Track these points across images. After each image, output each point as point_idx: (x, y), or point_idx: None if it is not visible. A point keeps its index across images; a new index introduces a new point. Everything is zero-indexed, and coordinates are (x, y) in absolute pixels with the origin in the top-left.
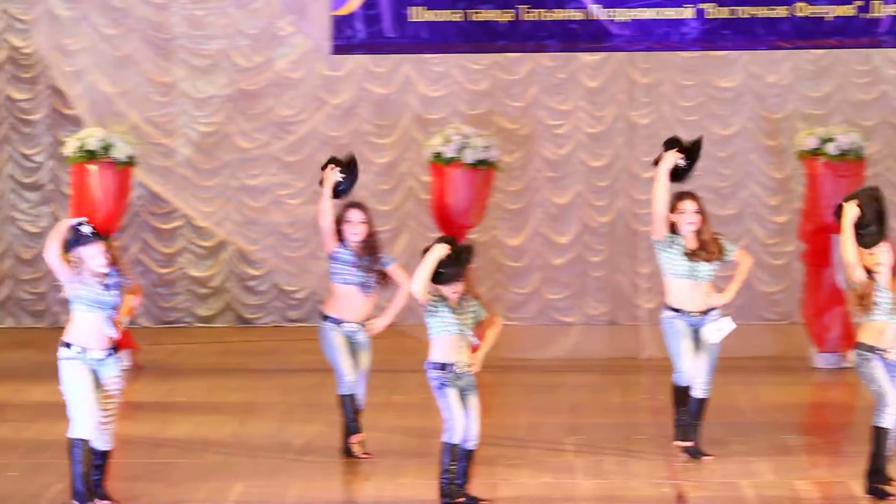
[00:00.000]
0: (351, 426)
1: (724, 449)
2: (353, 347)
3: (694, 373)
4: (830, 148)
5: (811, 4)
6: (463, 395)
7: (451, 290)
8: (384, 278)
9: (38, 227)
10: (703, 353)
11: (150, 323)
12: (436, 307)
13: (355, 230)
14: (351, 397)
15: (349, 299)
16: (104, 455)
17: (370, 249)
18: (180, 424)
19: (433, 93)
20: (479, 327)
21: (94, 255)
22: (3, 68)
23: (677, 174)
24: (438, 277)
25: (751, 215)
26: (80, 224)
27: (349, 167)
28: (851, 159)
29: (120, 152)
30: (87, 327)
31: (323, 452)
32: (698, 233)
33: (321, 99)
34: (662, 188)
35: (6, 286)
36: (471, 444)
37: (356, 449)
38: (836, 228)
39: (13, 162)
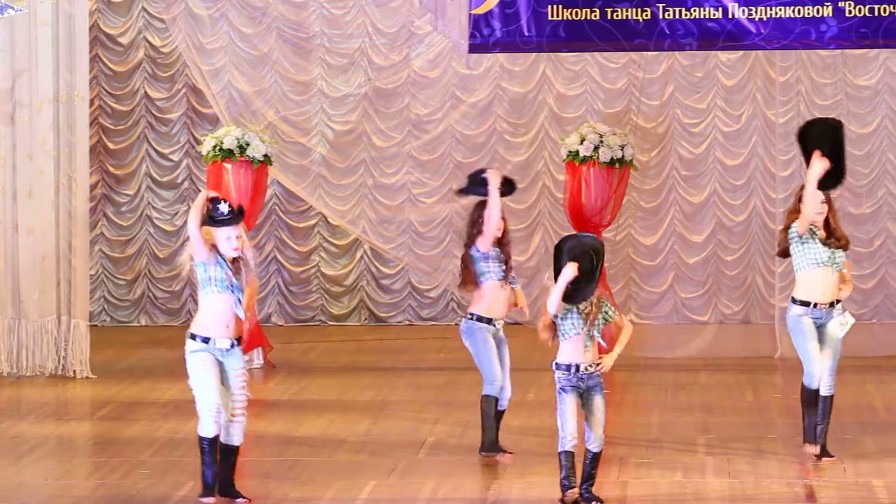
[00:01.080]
0: (490, 430)
1: (858, 448)
2: (498, 345)
3: (821, 372)
4: None
5: None
6: (589, 395)
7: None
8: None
9: (173, 226)
10: (829, 350)
11: (283, 321)
12: (566, 312)
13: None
14: (495, 399)
15: (495, 295)
16: (235, 451)
17: (500, 244)
18: (312, 422)
19: (569, 91)
20: (608, 327)
21: (228, 237)
22: (141, 67)
23: (827, 182)
24: (571, 298)
25: (887, 213)
26: (218, 202)
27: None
28: None
29: (256, 151)
30: (217, 311)
31: (455, 451)
32: (827, 222)
33: (457, 97)
34: (811, 198)
35: (141, 284)
36: (594, 447)
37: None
38: None
39: (150, 160)
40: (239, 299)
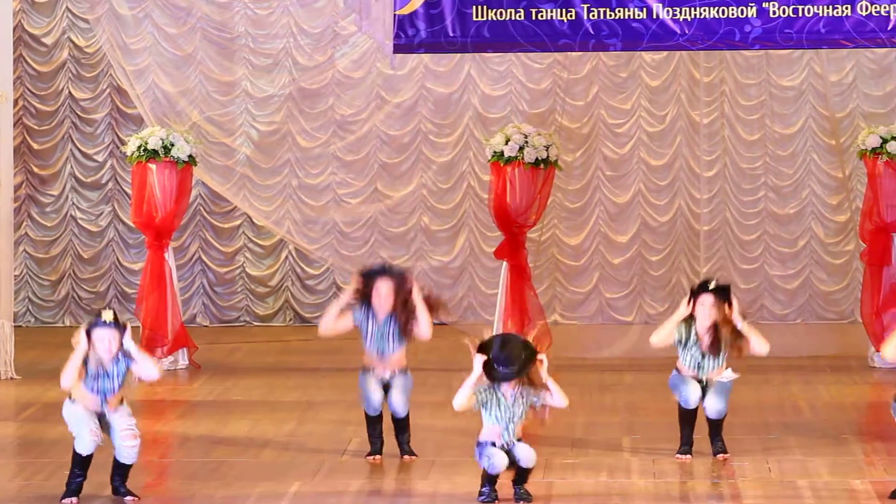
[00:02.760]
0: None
1: (782, 448)
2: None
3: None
4: (892, 147)
5: (874, 3)
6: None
7: (508, 387)
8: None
9: (97, 227)
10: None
11: (207, 322)
12: (486, 403)
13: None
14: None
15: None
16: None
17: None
18: (238, 423)
19: (494, 91)
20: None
21: (103, 339)
22: (66, 67)
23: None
24: (492, 375)
25: (811, 214)
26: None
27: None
28: None
29: (181, 151)
30: (84, 403)
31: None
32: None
33: (382, 98)
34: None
35: (65, 285)
36: (525, 465)
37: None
38: None
39: (74, 161)
40: (105, 398)
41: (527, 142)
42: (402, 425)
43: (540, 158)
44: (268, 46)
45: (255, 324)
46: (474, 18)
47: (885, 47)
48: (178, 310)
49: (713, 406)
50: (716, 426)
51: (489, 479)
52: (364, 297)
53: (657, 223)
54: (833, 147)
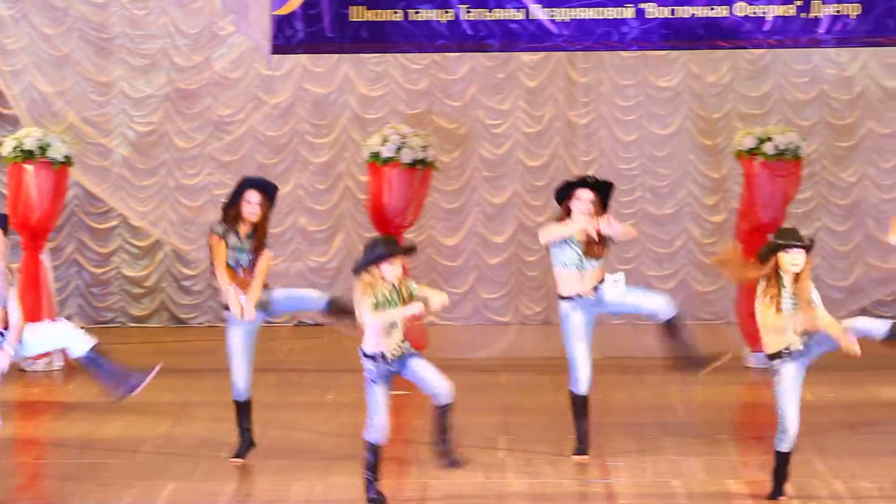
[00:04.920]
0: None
1: (657, 448)
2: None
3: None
4: (768, 147)
5: (751, 4)
6: (405, 368)
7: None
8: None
9: None
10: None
11: (83, 322)
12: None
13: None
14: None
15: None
16: None
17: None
18: (112, 424)
19: (371, 92)
20: (409, 331)
21: None
22: None
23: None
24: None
25: (688, 214)
26: None
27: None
28: (788, 159)
29: (57, 152)
30: None
31: (256, 453)
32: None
33: (259, 99)
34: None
35: None
36: (442, 400)
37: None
38: (772, 228)
39: None
40: None
41: (404, 142)
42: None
43: (417, 159)
44: (145, 47)
45: (131, 325)
46: (352, 19)
47: (762, 48)
48: (53, 310)
49: (651, 307)
50: (672, 326)
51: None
52: None
53: (534, 224)
54: (709, 147)
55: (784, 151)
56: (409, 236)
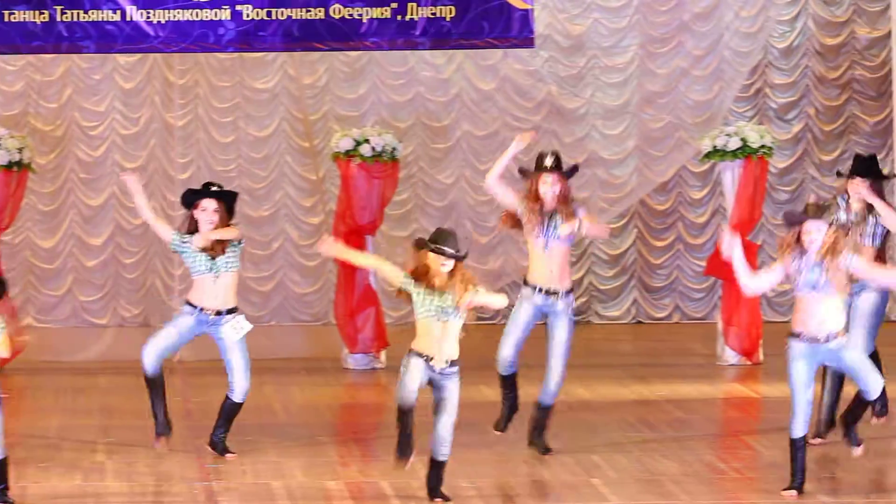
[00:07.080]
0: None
1: (257, 450)
2: None
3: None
4: (365, 149)
5: (347, 6)
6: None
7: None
8: None
9: None
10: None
11: None
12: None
13: None
14: None
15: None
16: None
17: None
18: None
19: None
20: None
21: None
22: None
23: None
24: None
25: (285, 216)
26: None
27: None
28: (385, 161)
29: None
30: None
31: None
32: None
33: None
34: None
35: None
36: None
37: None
38: (370, 230)
39: None
40: None
41: (0, 145)
42: None
43: (13, 161)
44: None
45: None
46: None
47: (358, 50)
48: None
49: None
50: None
51: None
52: None
53: (132, 226)
54: (307, 149)
55: (381, 153)
56: (5, 239)
